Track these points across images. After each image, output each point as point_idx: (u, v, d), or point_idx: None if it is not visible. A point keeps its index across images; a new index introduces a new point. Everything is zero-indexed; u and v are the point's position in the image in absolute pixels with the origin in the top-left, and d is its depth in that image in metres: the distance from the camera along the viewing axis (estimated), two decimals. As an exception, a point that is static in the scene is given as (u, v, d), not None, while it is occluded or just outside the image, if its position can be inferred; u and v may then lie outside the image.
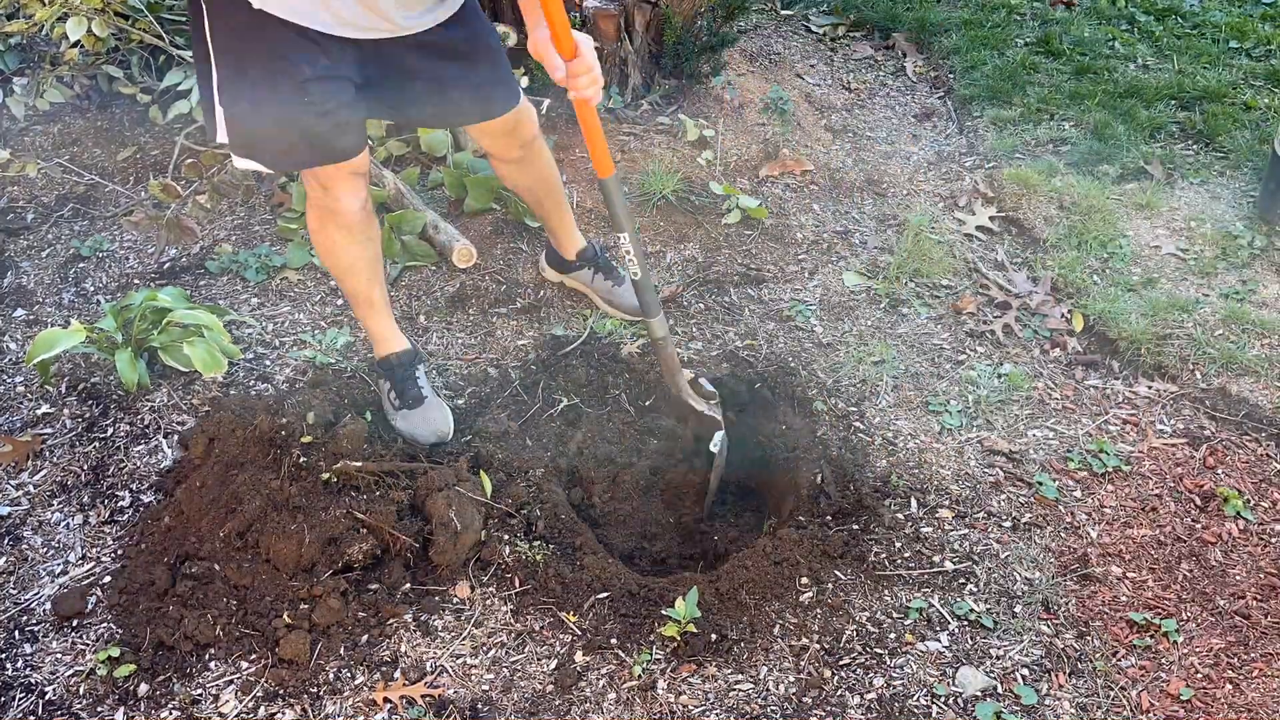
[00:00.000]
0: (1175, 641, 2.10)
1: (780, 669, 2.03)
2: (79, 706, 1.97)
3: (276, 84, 1.94)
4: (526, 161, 2.49)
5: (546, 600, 2.14)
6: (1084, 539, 2.30)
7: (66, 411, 2.55)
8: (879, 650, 2.07)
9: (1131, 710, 1.98)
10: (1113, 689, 2.01)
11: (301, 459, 2.22)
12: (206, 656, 2.03)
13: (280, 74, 1.94)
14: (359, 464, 2.21)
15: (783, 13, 4.46)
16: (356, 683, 2.00)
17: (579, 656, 2.06)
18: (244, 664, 2.02)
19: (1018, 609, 2.15)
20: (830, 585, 2.17)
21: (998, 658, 2.07)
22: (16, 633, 2.09)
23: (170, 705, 1.96)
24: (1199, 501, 2.38)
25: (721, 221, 3.19)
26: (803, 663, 2.04)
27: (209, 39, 1.95)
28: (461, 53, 2.13)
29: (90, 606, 2.13)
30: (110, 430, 2.50)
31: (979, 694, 1.99)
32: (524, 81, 3.35)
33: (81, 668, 2.02)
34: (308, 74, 1.94)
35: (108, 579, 2.17)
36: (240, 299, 2.88)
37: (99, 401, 2.56)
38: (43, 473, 2.41)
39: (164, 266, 3.00)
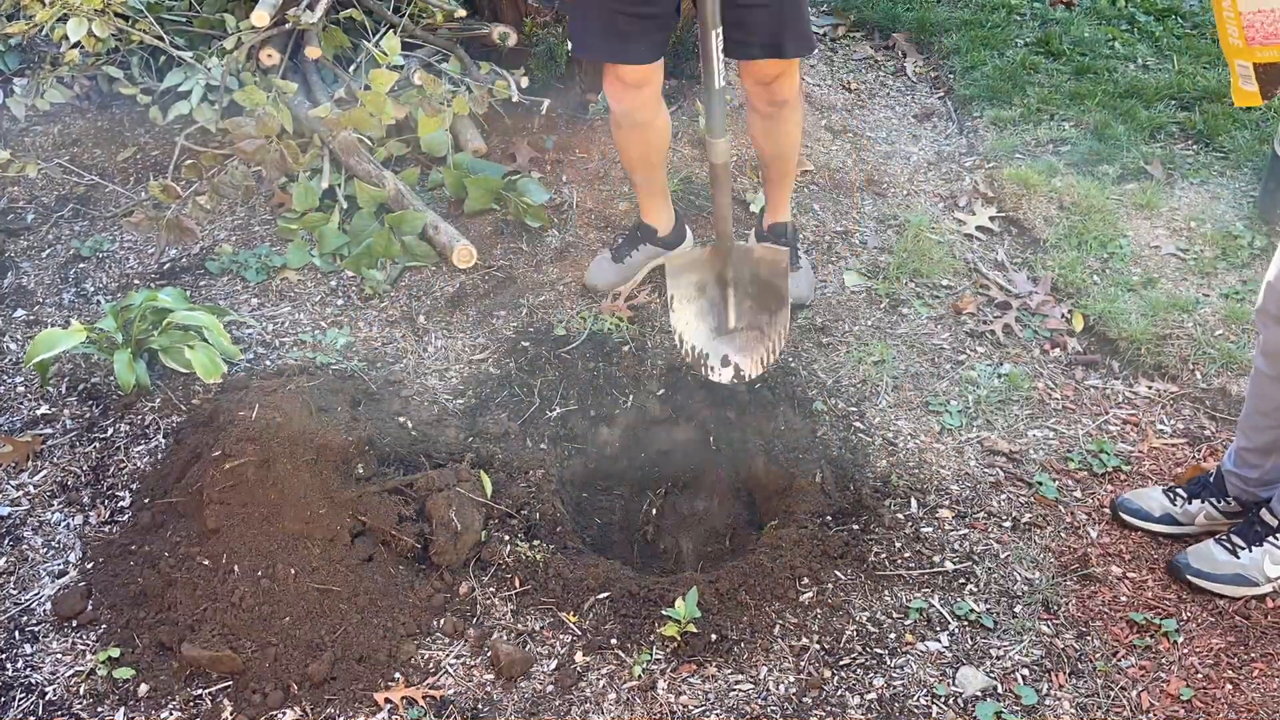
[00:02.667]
0: (1175, 641, 2.10)
1: (780, 669, 2.03)
2: (79, 707, 1.97)
3: None
4: (775, 120, 2.66)
5: (546, 600, 2.14)
6: (1084, 539, 2.30)
7: (66, 412, 2.55)
8: (879, 650, 2.07)
9: (1131, 710, 1.98)
10: (1113, 689, 2.01)
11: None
12: (206, 657, 2.03)
13: None
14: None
15: (783, 13, 4.45)
16: (356, 683, 2.00)
17: (579, 657, 2.06)
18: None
19: (1018, 609, 2.15)
20: (830, 585, 2.17)
21: (998, 658, 2.07)
22: (16, 633, 2.09)
23: (170, 705, 1.96)
24: (1199, 501, 2.38)
25: (721, 222, 3.19)
26: (803, 663, 2.04)
27: None
28: None
29: (90, 606, 2.13)
30: (110, 430, 2.50)
31: (979, 694, 1.99)
32: (524, 82, 3.35)
33: (81, 668, 2.02)
34: None
35: (107, 580, 2.17)
36: (240, 299, 2.88)
37: (99, 402, 2.56)
38: (43, 473, 2.41)
39: (164, 267, 3.00)
